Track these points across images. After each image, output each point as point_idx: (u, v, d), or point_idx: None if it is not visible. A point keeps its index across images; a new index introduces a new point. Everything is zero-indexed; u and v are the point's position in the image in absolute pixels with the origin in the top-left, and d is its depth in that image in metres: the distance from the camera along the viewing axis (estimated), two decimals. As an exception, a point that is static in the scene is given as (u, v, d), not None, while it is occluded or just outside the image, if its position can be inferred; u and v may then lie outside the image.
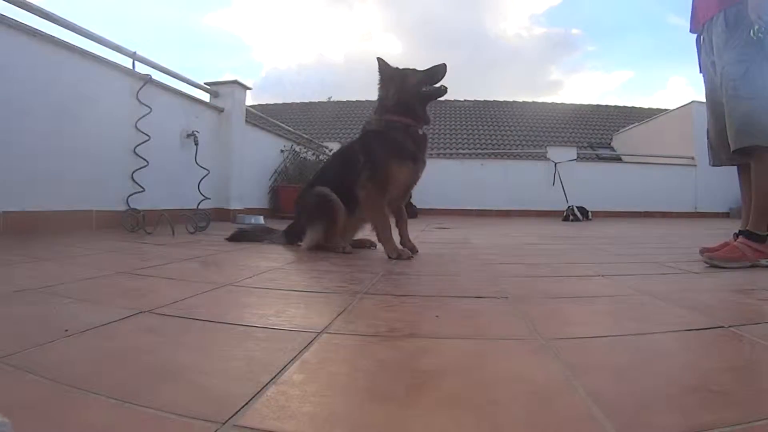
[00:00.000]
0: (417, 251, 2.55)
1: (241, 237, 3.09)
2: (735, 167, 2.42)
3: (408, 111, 2.45)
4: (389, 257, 2.35)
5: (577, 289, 1.70)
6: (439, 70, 2.47)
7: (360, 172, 2.44)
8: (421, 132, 2.50)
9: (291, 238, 2.84)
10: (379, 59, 2.54)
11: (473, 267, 2.15)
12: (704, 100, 2.48)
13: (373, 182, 2.40)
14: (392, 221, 2.58)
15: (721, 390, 0.73)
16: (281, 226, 3.08)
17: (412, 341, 0.99)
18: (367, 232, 2.74)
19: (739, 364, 0.90)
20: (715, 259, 2.13)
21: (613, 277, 1.85)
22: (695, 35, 2.46)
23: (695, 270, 2.05)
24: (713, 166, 2.50)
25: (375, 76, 2.57)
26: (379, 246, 2.62)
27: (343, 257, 2.38)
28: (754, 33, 2.07)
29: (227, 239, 3.07)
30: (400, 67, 2.54)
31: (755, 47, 2.09)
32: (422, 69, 2.50)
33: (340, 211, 2.50)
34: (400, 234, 2.61)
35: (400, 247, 2.43)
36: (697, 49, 2.44)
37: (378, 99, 2.58)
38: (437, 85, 2.47)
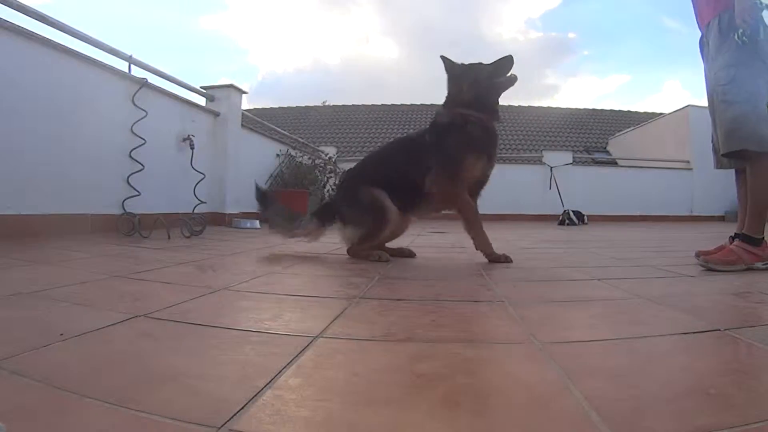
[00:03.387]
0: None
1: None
2: (732, 170, 2.43)
3: (484, 106, 2.41)
4: (488, 260, 2.30)
5: (573, 293, 1.70)
6: (506, 63, 2.43)
7: (430, 166, 2.36)
8: (496, 133, 2.45)
9: (324, 221, 2.62)
10: (443, 57, 2.48)
11: (469, 271, 2.15)
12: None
13: (452, 177, 2.33)
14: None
15: (718, 393, 0.73)
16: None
17: (408, 345, 0.99)
18: (407, 241, 2.68)
19: (736, 367, 0.90)
20: (711, 263, 2.13)
21: (609, 281, 1.85)
22: (699, 41, 2.47)
23: (691, 273, 2.05)
24: (717, 169, 2.51)
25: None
26: (419, 253, 2.59)
27: (340, 261, 2.38)
28: (738, 37, 2.09)
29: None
30: (466, 63, 2.49)
31: (744, 52, 2.11)
32: (489, 63, 2.45)
33: (392, 220, 2.38)
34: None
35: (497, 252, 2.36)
36: (701, 54, 2.46)
37: (448, 96, 2.50)
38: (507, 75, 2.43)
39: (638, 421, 0.64)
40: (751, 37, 2.09)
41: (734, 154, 2.17)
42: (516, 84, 2.40)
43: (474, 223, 2.39)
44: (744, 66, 2.12)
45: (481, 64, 2.46)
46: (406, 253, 2.65)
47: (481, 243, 2.37)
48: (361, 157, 3.08)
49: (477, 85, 2.40)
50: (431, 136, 2.46)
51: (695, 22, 2.47)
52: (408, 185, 2.40)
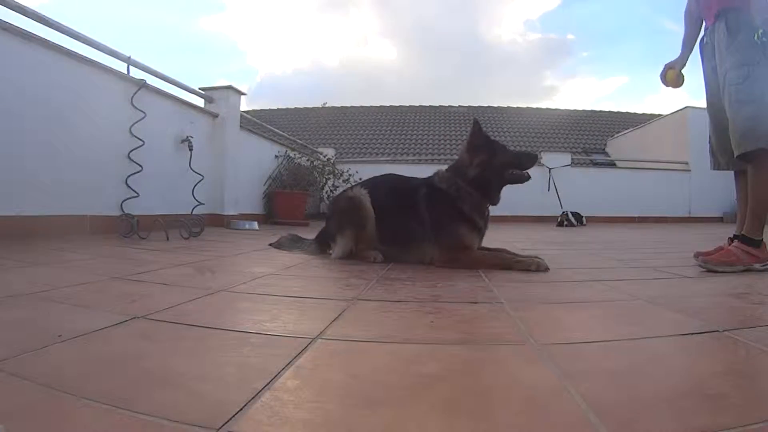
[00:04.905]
0: None
1: (279, 245, 3.07)
2: (731, 172, 2.43)
3: (485, 188, 2.38)
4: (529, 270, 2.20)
5: (572, 295, 1.70)
6: (529, 160, 2.42)
7: (428, 236, 2.34)
8: (487, 212, 2.44)
9: (323, 246, 2.74)
10: (476, 121, 2.45)
11: (468, 272, 2.15)
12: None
13: (460, 251, 2.32)
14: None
15: (717, 394, 0.73)
16: (276, 231, 3.06)
17: (407, 347, 0.99)
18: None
19: (735, 367, 0.90)
20: (710, 263, 2.14)
21: (607, 282, 1.86)
22: (699, 41, 2.47)
23: (690, 274, 2.06)
24: (714, 170, 2.51)
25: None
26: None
27: (338, 263, 2.38)
28: (758, 36, 2.09)
29: (271, 245, 3.12)
30: (492, 139, 2.46)
31: (756, 51, 2.11)
32: (514, 150, 2.46)
33: (370, 218, 2.42)
34: None
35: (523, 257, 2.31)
36: (701, 53, 2.46)
37: (458, 160, 2.48)
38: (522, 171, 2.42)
39: (637, 422, 0.64)
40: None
41: (745, 155, 2.17)
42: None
43: (510, 262, 2.29)
44: (756, 65, 2.11)
45: (503, 146, 2.45)
46: None
47: (524, 266, 2.25)
48: (360, 159, 3.09)
49: (488, 168, 2.36)
50: (425, 197, 2.43)
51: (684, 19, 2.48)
52: (394, 224, 2.44)
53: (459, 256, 2.32)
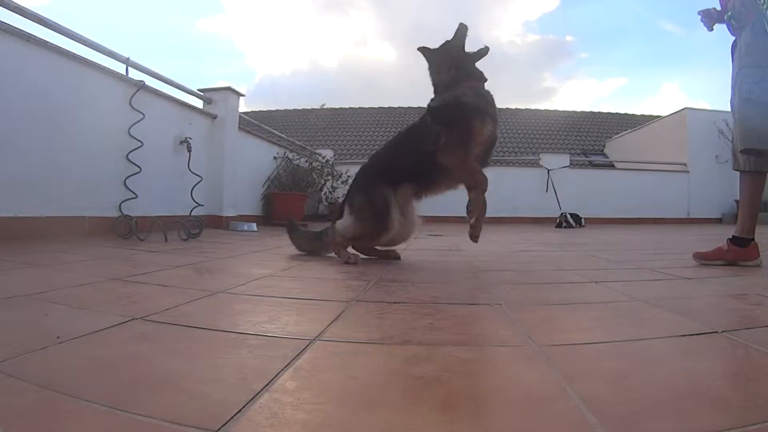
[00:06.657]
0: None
1: (298, 246, 2.90)
2: (730, 172, 2.44)
3: (468, 74, 2.39)
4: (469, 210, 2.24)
5: (570, 296, 1.70)
6: (461, 31, 2.41)
7: (437, 141, 2.31)
8: (486, 90, 2.41)
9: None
10: (420, 48, 2.47)
11: (466, 274, 2.15)
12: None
13: (458, 144, 2.27)
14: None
15: (716, 395, 0.73)
16: (275, 232, 3.05)
17: (405, 348, 0.99)
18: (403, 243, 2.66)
19: (734, 369, 0.90)
20: (705, 259, 2.17)
21: (606, 284, 1.86)
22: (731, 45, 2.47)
23: (689, 276, 2.06)
24: (735, 170, 2.51)
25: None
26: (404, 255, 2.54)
27: (337, 264, 2.38)
28: (728, 17, 2.15)
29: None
30: (435, 47, 2.47)
31: None
32: (447, 39, 2.44)
33: (393, 229, 2.39)
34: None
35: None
36: (732, 55, 2.46)
37: (433, 84, 2.49)
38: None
39: (636, 423, 0.64)
40: (737, 18, 2.14)
41: (749, 151, 2.18)
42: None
43: (482, 187, 2.30)
44: None
45: (445, 41, 2.44)
46: (392, 255, 2.64)
47: (480, 212, 2.29)
48: (359, 160, 3.06)
49: (455, 60, 2.39)
50: (430, 118, 2.43)
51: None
52: (416, 168, 2.40)
53: (459, 158, 2.27)
